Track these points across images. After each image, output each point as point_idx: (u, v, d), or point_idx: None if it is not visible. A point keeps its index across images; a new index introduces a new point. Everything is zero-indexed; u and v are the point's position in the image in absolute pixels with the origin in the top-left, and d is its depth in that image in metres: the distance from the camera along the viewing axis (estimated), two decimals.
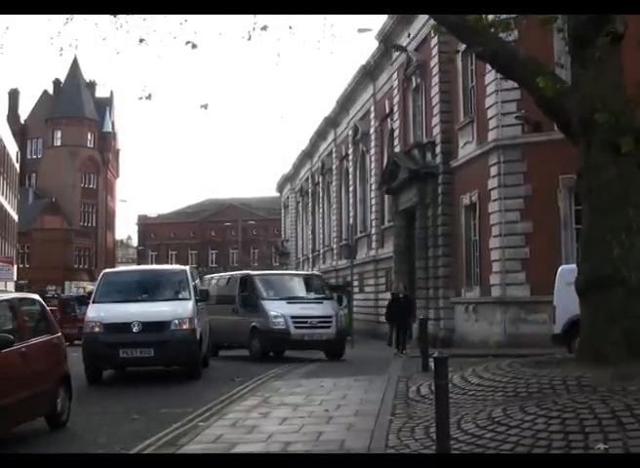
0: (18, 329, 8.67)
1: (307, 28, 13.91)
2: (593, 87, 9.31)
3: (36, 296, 10.20)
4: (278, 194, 72.50)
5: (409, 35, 28.88)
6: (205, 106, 11.89)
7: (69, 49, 11.96)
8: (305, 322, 18.59)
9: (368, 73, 36.38)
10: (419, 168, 26.69)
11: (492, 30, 10.41)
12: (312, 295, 20.22)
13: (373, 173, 36.60)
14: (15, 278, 45.95)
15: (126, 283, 16.37)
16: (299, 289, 20.56)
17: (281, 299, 19.29)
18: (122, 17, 10.89)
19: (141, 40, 11.11)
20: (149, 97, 11.56)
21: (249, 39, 11.24)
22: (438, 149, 26.09)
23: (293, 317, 18.47)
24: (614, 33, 9.18)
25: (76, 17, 11.00)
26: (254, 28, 11.11)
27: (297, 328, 18.45)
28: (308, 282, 21.40)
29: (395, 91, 31.62)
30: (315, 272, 25.28)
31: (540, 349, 14.36)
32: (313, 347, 19.09)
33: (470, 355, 16.65)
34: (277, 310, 18.67)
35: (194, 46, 10.95)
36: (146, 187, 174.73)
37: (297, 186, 61.23)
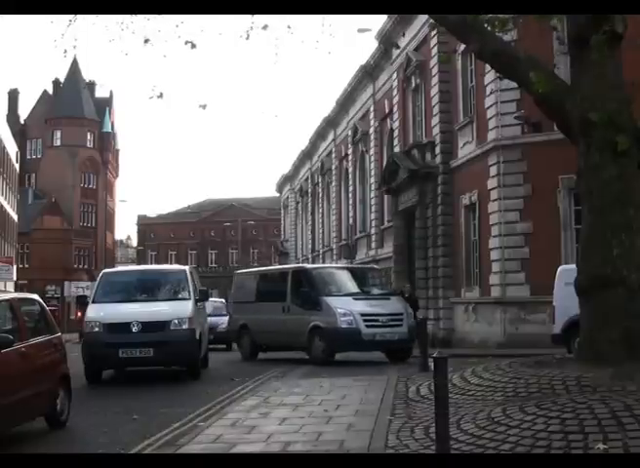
0: (17, 329, 8.68)
1: (306, 28, 13.91)
2: (593, 87, 9.32)
3: (36, 296, 10.20)
4: (278, 194, 72.52)
5: (403, 34, 28.85)
6: (204, 106, 11.91)
7: (72, 50, 11.95)
8: (376, 320, 16.89)
9: (367, 73, 36.39)
10: (418, 168, 26.70)
11: (490, 29, 10.41)
12: (377, 291, 18.78)
13: (372, 173, 36.61)
14: (14, 278, 45.91)
15: (125, 283, 16.38)
16: (360, 283, 18.79)
17: (345, 295, 17.64)
18: (127, 17, 10.90)
19: (146, 40, 11.12)
20: (161, 95, 11.53)
21: (247, 38, 11.25)
22: (438, 149, 26.11)
23: (362, 315, 16.79)
24: (612, 32, 9.17)
25: (79, 18, 11.01)
26: (252, 27, 11.12)
27: (368, 326, 16.75)
28: (367, 275, 20.02)
29: (395, 91, 31.63)
30: (373, 265, 22.94)
31: (539, 349, 14.37)
32: (384, 348, 17.44)
33: (470, 355, 16.66)
34: (344, 307, 16.98)
35: (193, 46, 10.97)
36: (146, 187, 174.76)
37: (296, 186, 61.24)
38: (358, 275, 19.58)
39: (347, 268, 22.26)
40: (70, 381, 9.96)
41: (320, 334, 17.05)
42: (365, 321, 16.79)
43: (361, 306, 17.12)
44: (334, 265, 25.05)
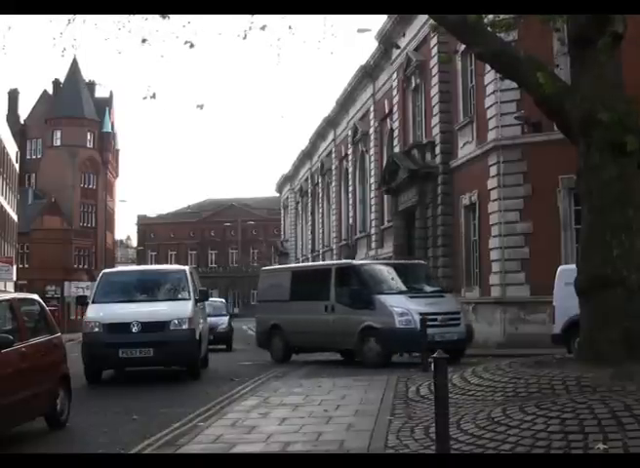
0: (17, 329, 8.68)
1: (308, 28, 13.91)
2: (593, 87, 9.32)
3: (36, 296, 10.20)
4: (278, 194, 72.52)
5: (404, 34, 28.86)
6: (201, 106, 11.90)
7: (71, 49, 11.97)
8: (435, 319, 15.69)
9: (367, 73, 36.39)
10: (418, 168, 26.70)
11: (491, 30, 10.42)
12: (429, 288, 17.75)
13: (372, 173, 36.61)
14: (14, 278, 45.91)
15: (125, 283, 16.39)
16: (410, 280, 17.83)
17: (399, 293, 16.62)
18: (124, 17, 10.91)
19: (144, 40, 11.12)
20: (154, 96, 11.56)
21: (244, 38, 11.26)
22: (438, 149, 26.11)
23: (421, 314, 15.47)
24: (612, 33, 9.19)
25: (78, 18, 11.01)
26: (250, 28, 11.13)
27: (427, 326, 15.35)
28: (417, 272, 18.84)
29: (395, 91, 31.63)
30: (419, 261, 21.55)
31: (539, 349, 14.37)
32: (443, 348, 16.03)
33: (470, 355, 16.64)
34: (401, 306, 15.93)
35: (192, 45, 10.97)
36: (146, 187, 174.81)
37: (296, 186, 61.25)
38: (407, 271, 18.53)
39: (396, 264, 20.57)
40: (70, 381, 9.96)
41: (374, 335, 15.89)
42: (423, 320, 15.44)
43: (418, 305, 16.05)
44: (381, 261, 22.56)
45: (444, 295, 17.26)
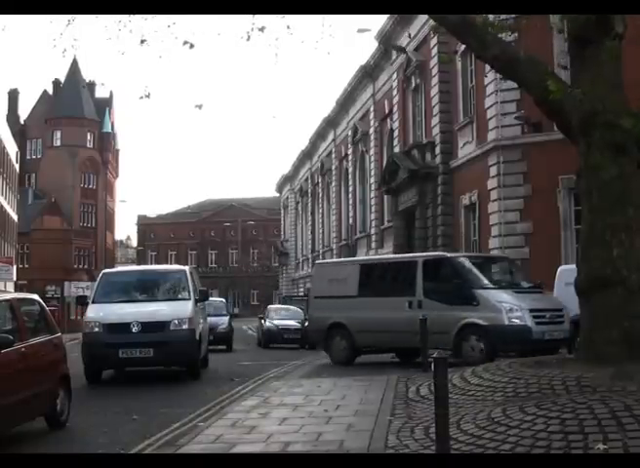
0: (17, 329, 8.67)
1: (306, 29, 13.90)
2: (593, 87, 9.32)
3: (36, 297, 10.19)
4: (278, 194, 72.56)
5: (409, 35, 28.90)
6: (199, 107, 11.90)
7: (71, 50, 11.96)
8: (543, 316, 14.54)
9: (367, 73, 36.43)
10: (418, 168, 26.73)
11: (491, 31, 10.42)
12: (525, 284, 16.18)
13: (372, 173, 36.64)
14: (14, 278, 45.90)
15: (125, 283, 16.38)
16: (505, 275, 16.60)
17: (501, 288, 15.18)
18: (125, 17, 10.91)
19: (143, 41, 11.12)
20: (148, 95, 11.61)
21: (248, 39, 11.25)
22: (438, 149, 26.14)
23: (531, 310, 14.35)
24: (617, 35, 9.20)
25: (78, 17, 11.01)
26: (252, 29, 11.12)
27: (537, 324, 14.38)
28: (507, 266, 17.16)
29: (395, 91, 31.66)
30: (501, 254, 19.93)
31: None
32: (551, 347, 14.46)
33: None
34: (510, 302, 14.53)
35: (191, 46, 10.97)
36: (146, 187, 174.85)
37: (296, 186, 61.29)
38: (500, 266, 17.18)
39: (487, 258, 18.66)
40: (70, 381, 9.95)
41: (477, 334, 14.52)
42: (534, 317, 14.39)
43: (524, 301, 14.71)
44: (471, 254, 20.21)
45: (541, 291, 15.84)
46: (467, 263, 15.85)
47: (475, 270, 15.56)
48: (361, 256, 23.16)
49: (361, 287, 17.01)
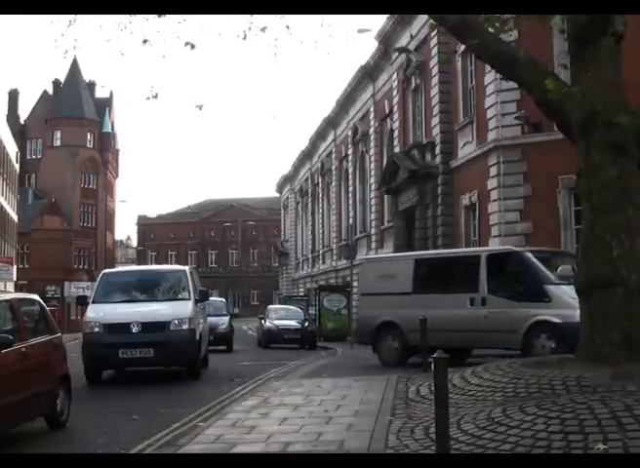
0: (17, 329, 8.67)
1: (305, 29, 13.90)
2: (593, 87, 9.32)
3: (36, 297, 10.20)
4: (278, 194, 72.57)
5: (410, 36, 28.90)
6: (200, 107, 11.89)
7: (72, 51, 11.94)
8: None
9: (367, 74, 36.43)
10: (418, 168, 26.73)
11: (491, 31, 10.42)
12: None
13: (372, 173, 36.65)
14: (14, 278, 45.90)
15: (125, 283, 16.39)
16: (567, 271, 14.64)
17: (571, 284, 14.01)
18: (125, 17, 10.91)
19: (145, 41, 11.12)
20: (156, 96, 11.55)
21: (244, 38, 11.25)
22: (438, 149, 26.14)
23: None
24: (614, 33, 9.20)
25: (79, 18, 11.01)
26: (250, 28, 11.13)
27: None
28: (565, 261, 15.63)
29: (395, 91, 31.66)
30: (566, 250, 18.49)
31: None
32: None
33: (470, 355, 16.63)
34: None
35: (193, 46, 10.96)
36: (146, 187, 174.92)
37: (296, 187, 61.30)
38: (565, 260, 15.71)
39: (552, 252, 16.92)
40: (70, 381, 9.95)
41: (550, 332, 13.72)
42: None
43: None
44: (536, 248, 17.65)
45: None
46: (536, 258, 14.82)
47: (543, 265, 14.63)
48: (414, 252, 20.90)
49: (416, 283, 16.21)
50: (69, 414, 9.63)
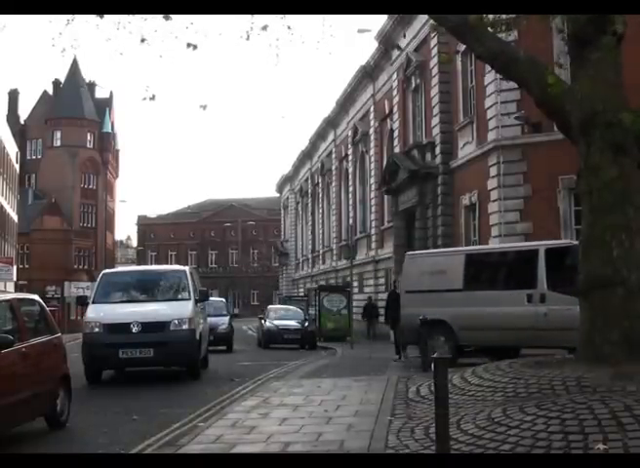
0: (18, 329, 8.68)
1: (307, 29, 13.89)
2: (593, 87, 9.32)
3: (36, 297, 10.21)
4: (278, 194, 72.57)
5: (405, 36, 28.90)
6: (204, 107, 11.91)
7: (70, 49, 11.95)
8: None
9: (367, 74, 36.43)
10: (418, 168, 26.73)
11: (491, 30, 10.42)
12: None
13: (372, 173, 36.65)
14: (14, 278, 45.91)
15: (125, 283, 16.39)
16: None
17: None
18: (124, 17, 10.90)
19: (143, 40, 11.11)
20: (153, 97, 11.55)
21: (247, 39, 11.25)
22: (438, 150, 26.14)
23: None
24: (614, 33, 9.20)
25: (77, 17, 11.00)
26: (252, 28, 11.13)
27: None
28: None
29: (395, 91, 31.66)
30: None
31: (540, 349, 14.32)
32: None
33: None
34: None
35: (195, 47, 10.97)
36: (146, 188, 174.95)
37: (296, 187, 61.30)
38: None
39: None
40: (71, 381, 9.95)
41: None
42: None
43: None
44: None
45: None
46: None
47: None
48: (464, 246, 20.69)
49: (467, 279, 15.37)
50: (69, 415, 9.62)
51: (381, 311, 26.34)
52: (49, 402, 9.11)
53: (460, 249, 18.47)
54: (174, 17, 10.89)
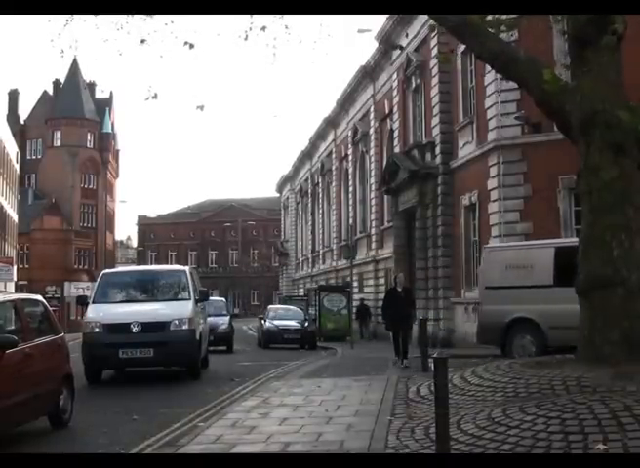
0: (21, 329, 8.70)
1: (304, 29, 13.88)
2: (593, 87, 9.32)
3: (39, 297, 10.24)
4: (278, 194, 72.56)
5: (407, 35, 28.90)
6: (201, 108, 11.89)
7: (70, 50, 11.97)
8: None
9: (367, 74, 36.42)
10: (418, 168, 26.72)
11: (492, 30, 10.42)
12: None
13: (372, 173, 36.64)
14: (14, 278, 45.92)
15: (125, 283, 16.38)
16: None
17: None
18: (123, 17, 10.90)
19: (143, 40, 11.12)
20: (155, 96, 11.55)
21: (245, 39, 11.26)
22: (438, 150, 26.12)
23: None
24: (615, 33, 9.20)
25: (76, 17, 11.00)
26: (250, 28, 11.14)
27: None
28: None
29: (395, 91, 31.65)
30: None
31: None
32: None
33: (470, 355, 16.62)
34: None
35: (192, 46, 10.97)
36: (146, 188, 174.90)
37: (296, 187, 61.29)
38: None
39: None
40: (73, 381, 9.97)
41: None
42: None
43: None
44: None
45: None
46: None
47: None
48: (553, 239, 18.00)
49: (558, 274, 14.19)
50: (72, 414, 9.64)
51: (379, 310, 26.28)
52: (52, 401, 9.12)
53: (549, 241, 16.92)
54: (173, 17, 10.92)
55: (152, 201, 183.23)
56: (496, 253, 16.39)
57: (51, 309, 10.30)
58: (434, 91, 26.40)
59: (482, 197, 22.51)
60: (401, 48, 28.69)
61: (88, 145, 67.12)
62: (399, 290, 17.17)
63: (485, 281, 16.31)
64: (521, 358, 13.00)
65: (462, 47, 20.41)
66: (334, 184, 46.46)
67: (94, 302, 15.30)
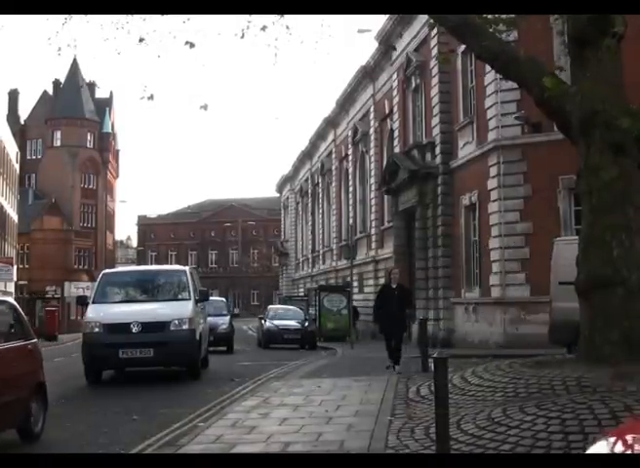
0: None
1: (306, 29, 13.92)
2: (593, 87, 9.33)
3: (10, 299, 9.77)
4: (278, 194, 72.56)
5: (402, 35, 28.89)
6: (205, 107, 11.91)
7: (68, 49, 11.93)
8: None
9: (367, 74, 36.42)
10: (418, 168, 26.70)
11: (491, 30, 10.43)
12: None
13: (372, 173, 36.64)
14: (14, 278, 45.91)
15: (125, 283, 16.39)
16: None
17: None
18: (122, 17, 10.90)
19: (141, 39, 11.12)
20: (151, 97, 11.56)
21: (242, 37, 11.26)
22: (438, 150, 26.11)
23: None
24: (614, 34, 9.20)
25: (75, 17, 10.99)
26: (248, 26, 11.14)
27: None
28: None
29: (395, 91, 31.65)
30: None
31: (539, 349, 14.32)
32: None
33: (470, 355, 16.63)
34: None
35: (192, 45, 10.98)
36: (146, 188, 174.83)
37: (296, 187, 61.28)
38: None
39: None
40: (46, 390, 9.08)
41: None
42: None
43: None
44: None
45: None
46: None
47: None
48: None
49: None
50: (44, 426, 8.73)
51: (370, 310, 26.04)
52: (21, 412, 8.19)
53: None
54: (172, 16, 10.91)
55: (152, 201, 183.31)
56: (569, 246, 14.34)
57: (22, 313, 9.46)
58: (434, 91, 26.39)
59: (482, 197, 22.50)
60: (394, 48, 28.70)
61: (88, 145, 67.11)
62: (393, 287, 15.49)
63: (557, 275, 15.03)
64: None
65: (462, 47, 20.39)
66: (334, 184, 46.45)
67: (94, 302, 15.30)
